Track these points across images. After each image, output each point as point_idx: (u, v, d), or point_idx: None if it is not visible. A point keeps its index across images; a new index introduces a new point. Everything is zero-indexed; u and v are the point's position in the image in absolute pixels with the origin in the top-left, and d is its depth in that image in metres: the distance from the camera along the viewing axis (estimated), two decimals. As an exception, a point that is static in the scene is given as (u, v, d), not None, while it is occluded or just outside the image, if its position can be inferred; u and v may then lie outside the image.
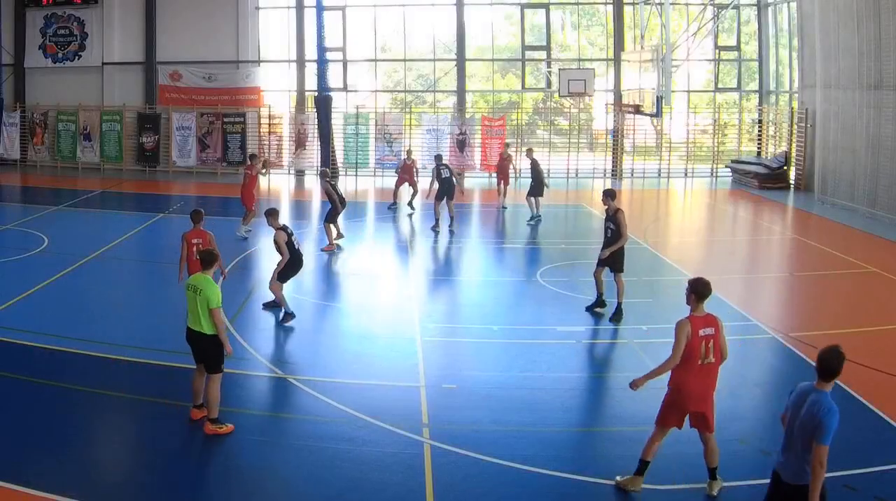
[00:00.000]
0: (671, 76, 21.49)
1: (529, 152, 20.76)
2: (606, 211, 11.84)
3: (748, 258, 17.20)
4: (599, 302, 11.99)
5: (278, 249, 11.37)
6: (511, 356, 10.67)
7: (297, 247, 11.59)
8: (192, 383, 8.18)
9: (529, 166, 20.07)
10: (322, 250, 16.04)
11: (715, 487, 6.92)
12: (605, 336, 11.28)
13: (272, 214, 11.58)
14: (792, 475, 5.47)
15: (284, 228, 11.45)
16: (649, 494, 6.89)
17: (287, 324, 11.29)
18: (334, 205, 16.27)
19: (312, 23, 27.55)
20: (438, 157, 19.56)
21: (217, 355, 7.92)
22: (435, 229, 17.86)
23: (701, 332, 6.62)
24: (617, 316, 11.64)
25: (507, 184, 21.72)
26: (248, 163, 18.83)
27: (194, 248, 10.69)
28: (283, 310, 11.41)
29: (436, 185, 18.26)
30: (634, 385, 6.92)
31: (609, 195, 11.82)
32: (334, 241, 16.40)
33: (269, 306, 11.88)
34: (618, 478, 7.04)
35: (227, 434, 7.88)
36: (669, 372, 6.78)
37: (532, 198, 19.54)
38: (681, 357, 6.60)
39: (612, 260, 11.64)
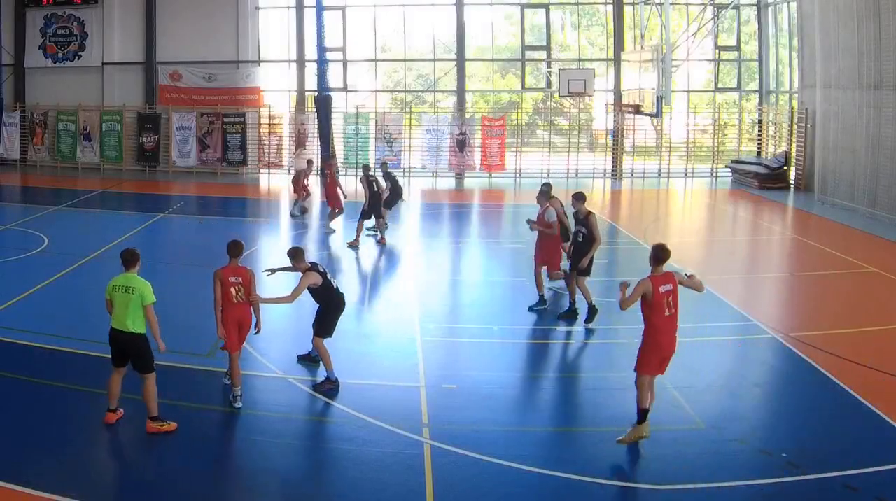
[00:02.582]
0: (671, 76, 21.50)
1: (384, 166, 18.59)
2: (576, 214, 11.57)
3: (748, 258, 17.20)
4: (572, 310, 11.75)
5: (313, 294, 9.19)
6: (511, 356, 10.68)
7: (335, 285, 9.39)
8: (108, 386, 7.95)
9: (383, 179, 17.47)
10: (347, 244, 16.68)
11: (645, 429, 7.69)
12: (605, 336, 11.27)
13: (297, 255, 9.23)
14: None
15: (315, 267, 9.19)
16: (649, 494, 6.89)
17: (308, 359, 9.91)
18: (372, 200, 16.71)
19: (312, 23, 27.49)
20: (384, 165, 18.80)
21: (149, 354, 7.87)
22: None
23: (661, 288, 7.66)
24: (591, 317, 11.41)
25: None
26: (328, 161, 19.48)
27: (232, 290, 8.57)
28: (325, 375, 9.25)
29: None
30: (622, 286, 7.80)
31: (579, 198, 11.52)
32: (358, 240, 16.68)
33: (304, 359, 10.01)
34: (620, 438, 7.55)
35: (171, 431, 7.83)
36: (644, 328, 7.76)
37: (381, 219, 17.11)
38: (650, 310, 7.68)
39: (580, 263, 11.47)
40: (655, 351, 7.72)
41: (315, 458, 7.54)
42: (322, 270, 9.17)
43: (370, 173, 17.30)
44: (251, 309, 8.77)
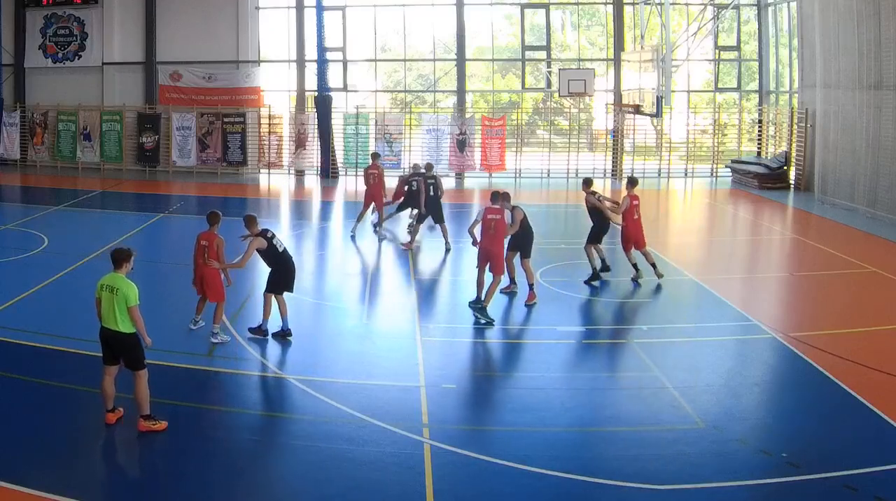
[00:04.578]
0: (671, 76, 21.48)
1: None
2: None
3: (748, 258, 17.20)
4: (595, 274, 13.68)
5: (263, 257, 10.57)
6: (511, 356, 10.68)
7: (280, 249, 10.58)
8: (101, 388, 7.95)
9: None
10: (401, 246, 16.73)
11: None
12: (605, 336, 11.28)
13: (249, 221, 10.60)
14: None
15: (264, 233, 10.47)
16: (649, 494, 6.89)
17: (283, 340, 10.61)
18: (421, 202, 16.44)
19: (312, 23, 27.56)
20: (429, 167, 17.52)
21: (138, 352, 7.91)
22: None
23: (634, 202, 13.45)
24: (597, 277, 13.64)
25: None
26: (372, 162, 18.56)
27: (204, 252, 10.41)
28: (259, 323, 10.63)
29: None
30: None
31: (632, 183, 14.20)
32: (411, 243, 16.56)
33: (277, 335, 10.73)
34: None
35: (162, 430, 7.85)
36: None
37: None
38: (624, 213, 13.45)
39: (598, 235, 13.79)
40: (628, 240, 13.53)
41: (315, 458, 7.53)
42: (269, 236, 10.44)
43: (427, 174, 16.82)
44: (219, 270, 10.46)
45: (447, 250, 16.20)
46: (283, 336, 10.66)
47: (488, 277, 11.85)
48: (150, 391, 8.53)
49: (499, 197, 12.05)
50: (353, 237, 17.50)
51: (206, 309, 10.86)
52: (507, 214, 11.84)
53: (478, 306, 11.60)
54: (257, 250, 10.40)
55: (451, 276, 15.34)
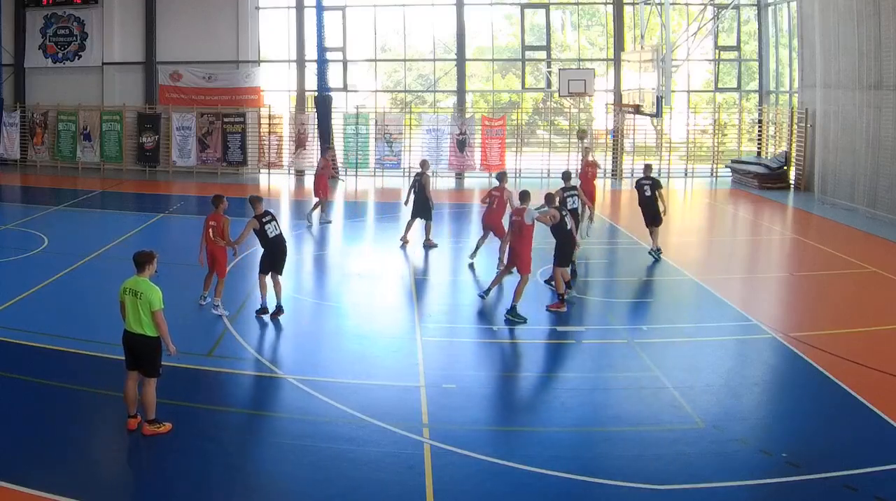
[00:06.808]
0: (671, 76, 21.47)
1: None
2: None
3: (748, 258, 17.20)
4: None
5: (258, 236, 11.56)
6: (511, 356, 10.68)
7: (270, 235, 11.47)
8: (125, 393, 7.90)
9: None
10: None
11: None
12: (605, 336, 11.27)
13: (252, 202, 11.72)
14: None
15: (263, 215, 11.49)
16: (649, 494, 6.89)
17: (276, 319, 11.45)
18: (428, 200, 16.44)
19: (312, 23, 27.56)
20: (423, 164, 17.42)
21: (156, 359, 7.84)
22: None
23: (494, 193, 14.27)
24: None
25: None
26: (323, 156, 20.85)
27: (210, 231, 11.61)
28: (260, 303, 11.60)
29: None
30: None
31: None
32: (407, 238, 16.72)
33: (274, 315, 11.62)
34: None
35: (166, 433, 7.83)
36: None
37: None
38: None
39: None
40: (488, 226, 14.12)
41: (315, 458, 7.53)
42: (266, 219, 11.44)
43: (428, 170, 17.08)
44: (225, 247, 11.71)
45: (426, 246, 16.43)
46: (277, 313, 11.45)
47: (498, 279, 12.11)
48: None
49: (525, 197, 12.15)
50: (327, 224, 19.08)
51: (212, 285, 11.94)
52: (529, 213, 11.81)
53: (509, 310, 11.64)
54: (253, 230, 11.42)
55: (451, 276, 15.33)
